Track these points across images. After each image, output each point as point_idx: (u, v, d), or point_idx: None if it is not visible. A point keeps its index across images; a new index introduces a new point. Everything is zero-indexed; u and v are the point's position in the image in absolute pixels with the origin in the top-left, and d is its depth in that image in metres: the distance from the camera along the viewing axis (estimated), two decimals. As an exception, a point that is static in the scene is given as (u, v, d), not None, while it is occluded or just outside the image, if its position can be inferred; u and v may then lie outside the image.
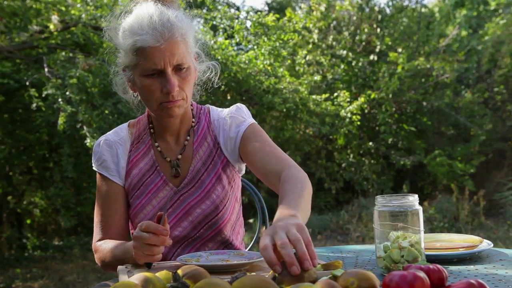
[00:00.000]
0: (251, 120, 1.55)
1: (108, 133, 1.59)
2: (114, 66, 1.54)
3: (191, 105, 1.57)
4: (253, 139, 1.49)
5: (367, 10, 9.08)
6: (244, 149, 1.50)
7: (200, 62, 1.54)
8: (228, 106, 1.61)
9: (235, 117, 1.54)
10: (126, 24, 1.41)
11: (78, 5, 6.00)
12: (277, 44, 6.84)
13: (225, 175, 1.53)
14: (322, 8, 8.93)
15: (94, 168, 1.57)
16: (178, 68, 1.40)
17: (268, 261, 0.96)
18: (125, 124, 1.60)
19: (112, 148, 1.54)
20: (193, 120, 1.56)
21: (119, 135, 1.56)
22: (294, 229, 1.00)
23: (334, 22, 9.04)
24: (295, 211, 1.15)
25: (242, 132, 1.51)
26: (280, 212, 1.14)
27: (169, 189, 1.51)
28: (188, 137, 1.54)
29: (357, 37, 9.02)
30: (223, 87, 6.47)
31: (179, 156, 1.52)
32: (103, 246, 1.47)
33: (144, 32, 1.35)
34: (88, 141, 5.09)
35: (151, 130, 1.55)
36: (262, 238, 1.03)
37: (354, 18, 9.02)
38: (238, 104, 1.59)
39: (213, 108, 1.62)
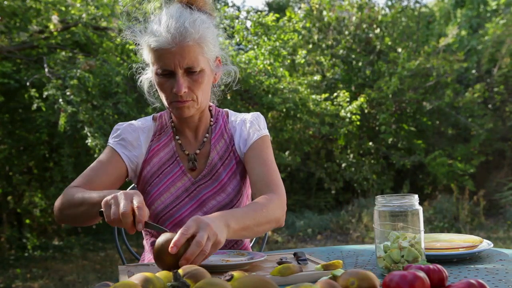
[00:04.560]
0: (265, 132, 1.64)
1: (132, 121, 1.66)
2: (141, 62, 1.61)
3: (210, 106, 1.67)
4: (259, 151, 1.58)
5: (366, 10, 9.08)
6: (248, 156, 1.58)
7: (224, 65, 1.62)
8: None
9: (254, 124, 1.64)
10: (149, 24, 1.50)
11: (78, 5, 5.99)
12: (277, 44, 6.84)
13: (239, 171, 1.60)
14: (322, 8, 8.93)
15: (109, 142, 1.60)
16: (189, 71, 1.46)
17: (178, 238, 1.11)
18: (150, 117, 1.68)
19: (135, 132, 1.61)
20: (211, 119, 1.65)
21: (144, 124, 1.64)
22: (210, 233, 1.14)
23: (334, 23, 9.05)
24: (232, 222, 1.26)
25: (254, 140, 1.60)
26: (220, 213, 1.28)
27: (186, 180, 1.57)
28: (207, 135, 1.63)
29: (357, 37, 9.02)
30: (222, 87, 6.46)
31: (197, 151, 1.60)
32: (79, 191, 1.44)
33: (158, 34, 1.44)
34: (89, 141, 5.10)
35: (172, 124, 1.64)
36: (191, 221, 1.15)
37: (354, 18, 9.02)
38: (259, 113, 1.70)
39: (231, 111, 1.73)
